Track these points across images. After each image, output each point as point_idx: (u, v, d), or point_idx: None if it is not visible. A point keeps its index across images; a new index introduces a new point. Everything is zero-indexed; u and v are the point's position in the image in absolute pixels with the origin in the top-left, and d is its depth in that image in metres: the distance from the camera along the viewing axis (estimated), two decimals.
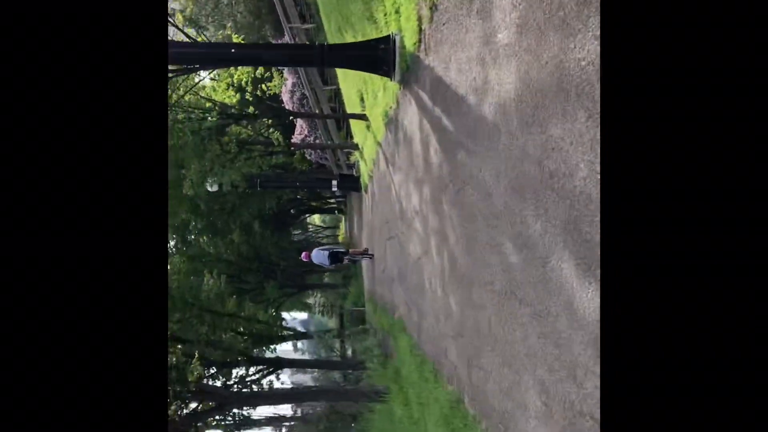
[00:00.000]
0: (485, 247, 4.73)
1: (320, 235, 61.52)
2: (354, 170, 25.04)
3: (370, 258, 16.53)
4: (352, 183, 22.32)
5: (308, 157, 25.94)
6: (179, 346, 14.51)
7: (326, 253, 15.41)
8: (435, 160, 6.58)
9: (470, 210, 5.09)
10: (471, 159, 4.99)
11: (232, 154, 16.94)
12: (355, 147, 19.77)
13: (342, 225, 61.58)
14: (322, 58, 8.63)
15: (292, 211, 44.13)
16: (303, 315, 54.68)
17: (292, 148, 21.89)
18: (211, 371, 14.23)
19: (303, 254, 16.47)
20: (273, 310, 26.71)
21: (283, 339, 19.04)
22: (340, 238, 57.76)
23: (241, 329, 18.33)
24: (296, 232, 50.05)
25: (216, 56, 9.13)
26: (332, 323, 39.43)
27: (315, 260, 15.42)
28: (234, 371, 14.54)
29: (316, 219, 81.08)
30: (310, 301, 44.35)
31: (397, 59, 8.78)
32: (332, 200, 53.92)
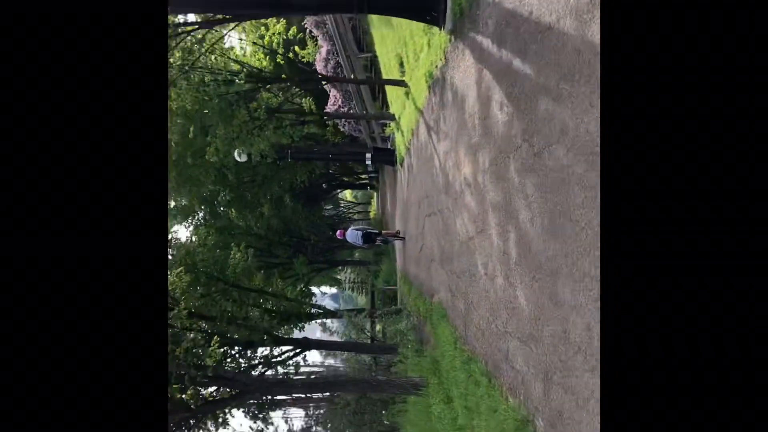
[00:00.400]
0: (582, 227, 3.49)
1: (351, 210, 60.65)
2: (389, 143, 23.81)
3: (402, 240, 17.05)
4: (386, 156, 21.11)
5: (342, 129, 24.73)
6: (202, 323, 13.66)
7: (360, 233, 15.73)
8: (500, 118, 5.31)
9: (558, 177, 3.84)
10: (563, 108, 3.72)
11: (260, 121, 15.84)
12: (392, 118, 18.51)
13: (374, 201, 60.65)
14: (361, 2, 7.37)
15: (324, 185, 43.19)
16: (332, 290, 54.08)
17: (325, 118, 20.72)
18: (234, 351, 13.35)
19: (338, 232, 17.08)
20: (302, 285, 25.84)
21: (312, 317, 18.08)
22: (371, 215, 56.91)
23: (269, 306, 17.45)
24: (327, 207, 49.25)
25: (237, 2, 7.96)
26: (362, 300, 38.51)
27: (349, 239, 15.85)
28: (259, 350, 13.67)
29: (347, 194, 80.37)
30: (340, 276, 43.53)
31: (449, 3, 7.47)
32: (364, 176, 53.13)
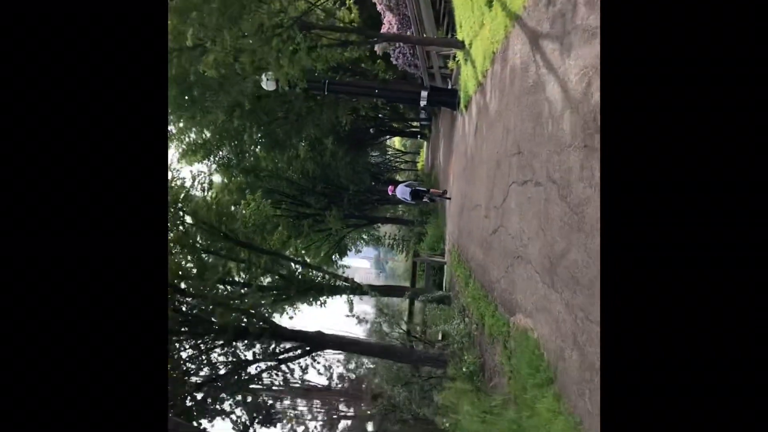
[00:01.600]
0: None
1: (398, 160, 56.50)
2: (449, 82, 19.42)
3: (448, 200, 17.54)
4: (446, 97, 16.84)
5: (394, 61, 20.35)
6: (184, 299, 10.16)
7: (409, 190, 16.42)
8: None
9: None
10: None
11: (284, 31, 11.77)
12: (459, 45, 14.12)
13: (422, 152, 56.31)
14: None
15: (371, 130, 39.55)
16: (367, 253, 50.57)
17: (375, 40, 16.46)
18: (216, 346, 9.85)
19: (389, 187, 18.20)
20: (330, 248, 22.24)
21: (336, 291, 14.46)
22: (418, 166, 52.78)
23: (283, 272, 13.95)
24: (374, 154, 46.18)
25: None
26: (402, 262, 34.55)
27: (398, 194, 16.55)
28: (255, 346, 10.15)
29: (396, 142, 76.28)
30: (380, 233, 39.81)
31: None
32: (416, 123, 49.21)
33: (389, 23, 20.30)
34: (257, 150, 23.79)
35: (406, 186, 16.53)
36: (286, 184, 24.39)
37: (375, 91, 16.94)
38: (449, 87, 18.94)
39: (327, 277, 14.74)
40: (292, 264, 14.26)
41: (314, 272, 14.84)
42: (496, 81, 9.41)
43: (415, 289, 16.13)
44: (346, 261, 30.82)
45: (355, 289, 14.23)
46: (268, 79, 15.75)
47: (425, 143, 52.39)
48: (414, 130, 52.78)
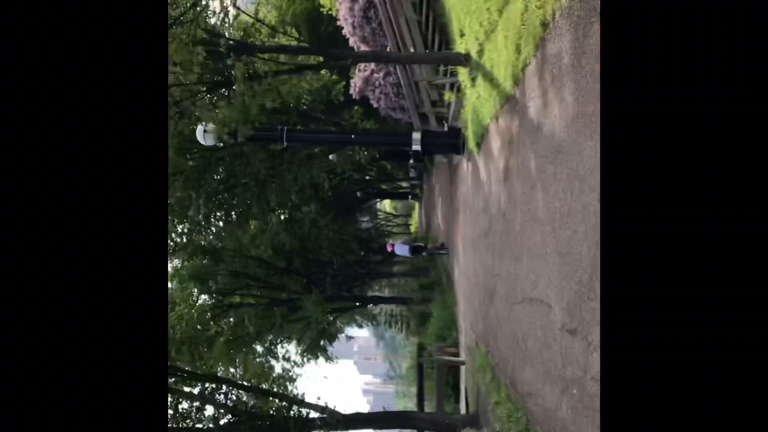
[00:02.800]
0: None
1: (390, 223, 52.31)
2: (446, 123, 15.34)
3: (446, 253, 17.53)
4: (446, 139, 12.61)
5: (375, 105, 16.25)
6: None
7: (408, 246, 17.56)
8: None
9: None
10: None
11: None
12: (460, 60, 10.01)
13: (414, 214, 52.40)
14: None
15: (358, 193, 35.60)
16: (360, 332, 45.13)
17: (344, 62, 12.40)
18: None
19: (388, 245, 20.41)
20: (315, 338, 17.49)
21: (308, 428, 9.61)
22: (411, 228, 48.73)
23: (226, 402, 9.28)
24: (363, 219, 43.93)
25: None
26: (408, 358, 28.93)
27: (397, 251, 17.80)
28: None
29: (387, 205, 72.59)
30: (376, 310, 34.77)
31: None
32: (404, 183, 45.42)
33: (355, 45, 16.40)
34: (211, 225, 19.29)
35: (404, 243, 17.86)
36: (254, 263, 19.83)
37: (351, 137, 12.63)
38: (447, 125, 14.82)
39: (294, 407, 10.05)
40: (239, 391, 9.67)
41: (275, 402, 10.15)
42: (517, 108, 5.17)
43: (424, 417, 11.22)
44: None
45: (337, 425, 9.47)
46: (205, 131, 11.50)
47: (416, 204, 48.72)
48: (404, 190, 49.21)
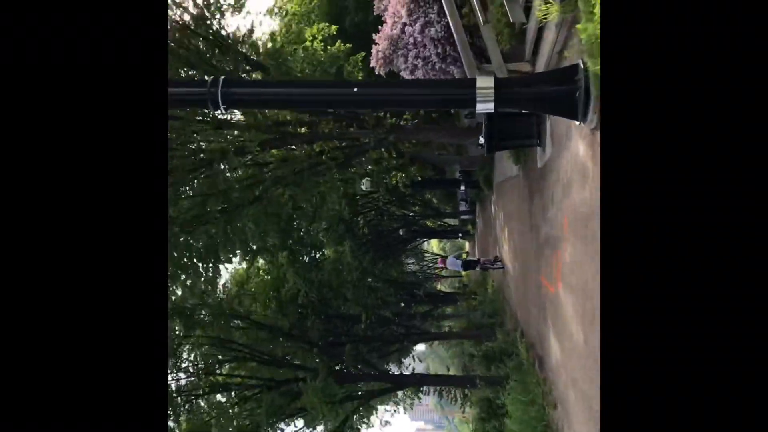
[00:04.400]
0: None
1: (438, 266, 45.73)
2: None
3: (501, 268, 16.26)
4: (551, 87, 6.21)
5: (410, 76, 10.18)
6: None
7: (459, 261, 16.35)
8: None
9: None
10: None
11: None
12: None
13: (464, 255, 45.89)
14: None
15: (400, 231, 32.32)
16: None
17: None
18: None
19: (439, 260, 22.58)
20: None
21: None
22: (463, 276, 42.41)
23: None
24: (409, 261, 39.54)
25: None
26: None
27: (449, 266, 17.04)
28: None
29: (434, 245, 66.70)
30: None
31: None
32: (453, 218, 41.11)
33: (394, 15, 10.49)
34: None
35: (456, 258, 16.82)
36: (241, 329, 13.77)
37: (353, 92, 6.41)
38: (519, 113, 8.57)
39: None
40: None
41: None
42: None
43: None
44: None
45: None
46: None
47: (467, 243, 42.55)
48: (454, 227, 43.49)
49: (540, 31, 7.47)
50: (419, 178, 20.85)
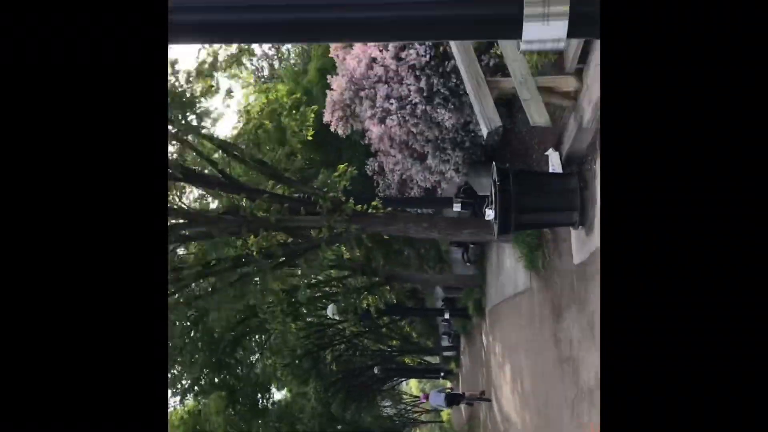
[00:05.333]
0: None
1: (417, 409, 40.66)
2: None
3: (489, 401, 15.11)
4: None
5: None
6: None
7: (443, 395, 16.41)
8: None
9: None
10: None
11: None
12: None
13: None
14: None
15: (375, 369, 29.08)
16: None
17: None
18: None
19: (421, 396, 20.30)
20: None
21: None
22: (445, 421, 37.85)
23: None
24: (386, 405, 37.29)
25: None
26: None
27: (432, 402, 16.85)
28: None
29: (413, 386, 61.22)
30: None
31: None
32: (432, 355, 37.72)
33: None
34: None
35: (439, 392, 16.71)
36: None
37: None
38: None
39: None
40: None
41: None
42: None
43: None
44: None
45: None
46: None
47: (448, 383, 38.14)
48: (434, 365, 39.42)
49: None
50: (394, 302, 17.61)
